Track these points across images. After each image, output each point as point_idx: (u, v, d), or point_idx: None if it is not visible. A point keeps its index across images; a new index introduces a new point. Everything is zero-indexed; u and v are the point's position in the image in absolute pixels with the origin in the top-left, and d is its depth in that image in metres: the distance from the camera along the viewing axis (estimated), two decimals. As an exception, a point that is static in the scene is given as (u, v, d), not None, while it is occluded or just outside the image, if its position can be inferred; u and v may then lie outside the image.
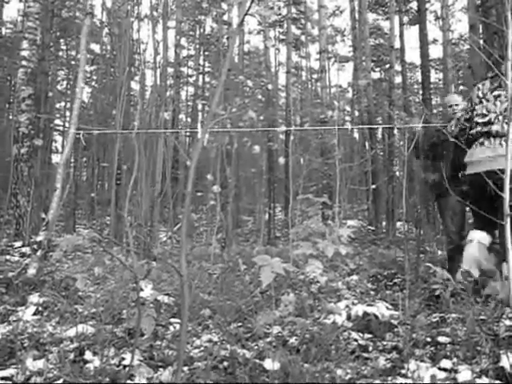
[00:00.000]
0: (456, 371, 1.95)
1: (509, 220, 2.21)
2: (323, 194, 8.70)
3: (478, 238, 3.31)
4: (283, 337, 2.47)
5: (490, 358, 2.02)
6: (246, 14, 1.60)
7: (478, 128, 3.33)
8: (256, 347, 2.35)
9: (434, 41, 19.88)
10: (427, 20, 11.83)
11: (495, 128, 3.22)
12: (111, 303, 3.01)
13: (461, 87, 18.96)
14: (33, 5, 7.47)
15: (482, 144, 3.30)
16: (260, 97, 19.52)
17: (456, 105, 4.28)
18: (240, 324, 2.75)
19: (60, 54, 17.88)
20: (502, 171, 2.52)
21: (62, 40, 17.15)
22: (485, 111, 3.33)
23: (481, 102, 3.39)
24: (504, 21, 2.34)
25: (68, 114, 19.00)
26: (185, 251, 1.45)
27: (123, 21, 11.60)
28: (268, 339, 2.45)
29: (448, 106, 4.35)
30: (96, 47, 18.75)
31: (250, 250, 6.98)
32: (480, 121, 3.33)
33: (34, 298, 3.32)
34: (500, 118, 3.22)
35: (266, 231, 12.01)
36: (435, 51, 20.54)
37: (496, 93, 3.33)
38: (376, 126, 14.63)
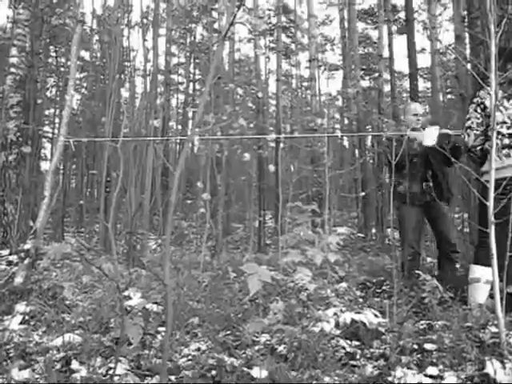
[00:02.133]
0: (442, 378, 1.98)
1: (493, 227, 2.25)
2: (313, 202, 8.75)
3: (487, 278, 2.94)
4: (271, 345, 2.47)
5: (475, 365, 2.05)
6: (231, 24, 1.62)
7: (506, 141, 3.07)
8: (244, 355, 2.34)
9: (422, 50, 20.11)
10: (415, 30, 11.97)
11: None
12: (99, 312, 2.99)
13: (448, 96, 19.19)
14: (22, 12, 7.45)
15: (508, 156, 3.05)
16: (250, 104, 19.59)
17: (421, 114, 4.13)
18: (228, 332, 2.74)
19: (49, 60, 17.79)
20: None
21: (51, 47, 17.06)
22: (507, 119, 3.09)
23: (499, 111, 3.10)
24: (488, 32, 2.38)
25: (57, 120, 18.87)
26: (169, 260, 1.46)
27: (113, 28, 11.60)
28: (256, 347, 2.45)
29: (412, 114, 4.15)
30: (86, 54, 18.75)
31: (240, 257, 6.97)
32: (506, 132, 3.08)
33: (21, 306, 3.27)
34: None
35: (257, 239, 12.01)
36: (423, 60, 20.77)
37: None
38: (365, 134, 14.75)
